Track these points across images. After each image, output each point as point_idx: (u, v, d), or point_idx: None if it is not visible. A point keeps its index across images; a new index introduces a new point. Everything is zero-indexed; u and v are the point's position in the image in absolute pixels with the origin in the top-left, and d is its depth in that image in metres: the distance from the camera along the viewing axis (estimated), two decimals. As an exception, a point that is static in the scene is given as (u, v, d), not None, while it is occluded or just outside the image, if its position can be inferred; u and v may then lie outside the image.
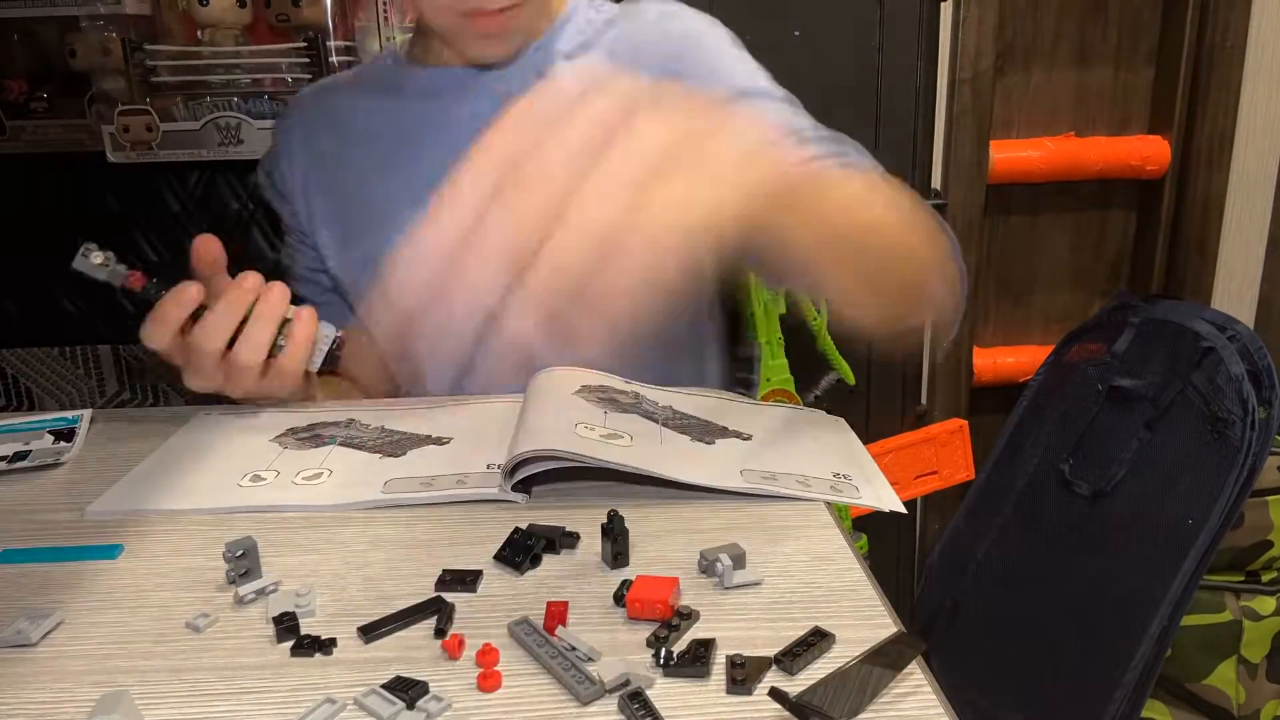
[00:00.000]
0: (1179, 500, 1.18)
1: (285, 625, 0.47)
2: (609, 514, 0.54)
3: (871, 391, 1.63)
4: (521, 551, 0.54)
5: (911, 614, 1.56)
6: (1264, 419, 1.16)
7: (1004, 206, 1.74)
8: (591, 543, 0.56)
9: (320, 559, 0.55)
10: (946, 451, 1.68)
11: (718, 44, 0.86)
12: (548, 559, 0.55)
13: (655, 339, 0.81)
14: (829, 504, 0.60)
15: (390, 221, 0.79)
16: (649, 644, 0.46)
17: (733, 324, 1.10)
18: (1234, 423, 1.16)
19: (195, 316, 0.71)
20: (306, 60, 1.32)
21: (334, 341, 0.75)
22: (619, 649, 0.46)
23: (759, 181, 0.49)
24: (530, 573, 0.53)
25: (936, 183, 1.64)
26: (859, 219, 0.60)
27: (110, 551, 0.57)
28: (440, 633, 0.47)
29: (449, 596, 0.51)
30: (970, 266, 1.68)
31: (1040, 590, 1.31)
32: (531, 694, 0.43)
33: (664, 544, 0.56)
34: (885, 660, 0.42)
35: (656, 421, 0.69)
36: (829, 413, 0.78)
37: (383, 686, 0.43)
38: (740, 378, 1.04)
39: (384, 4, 1.33)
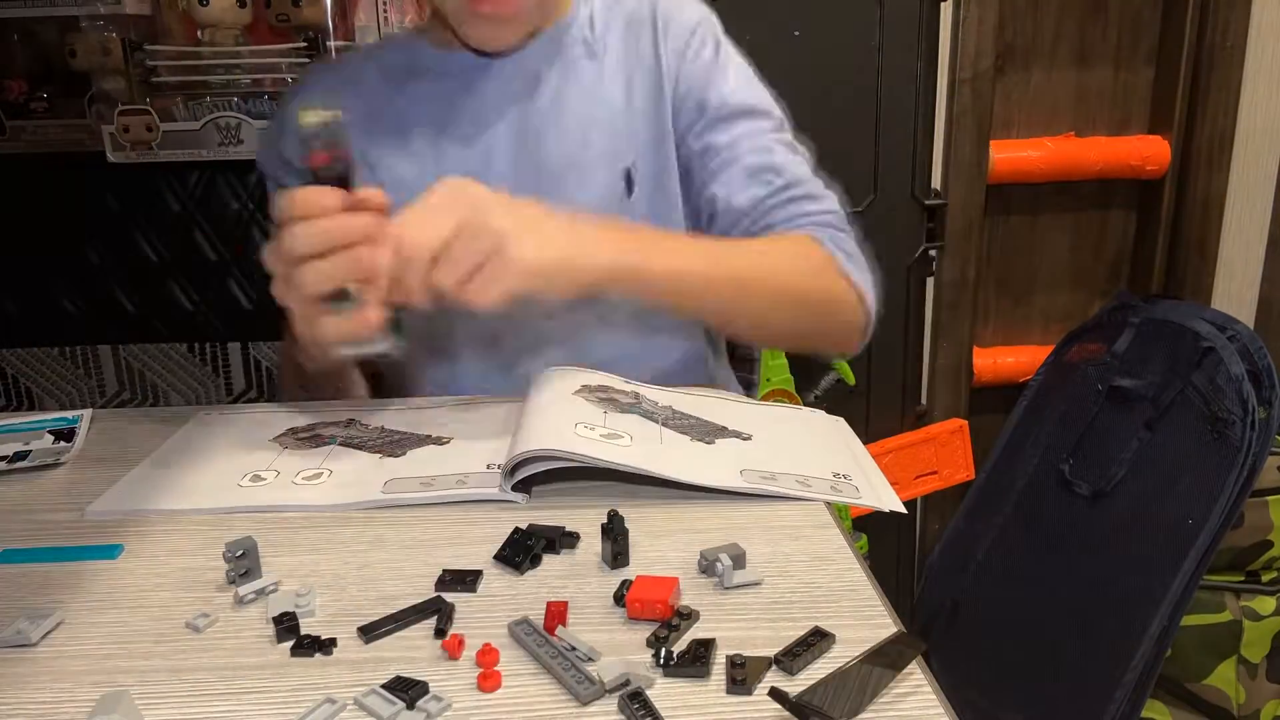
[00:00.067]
0: (1179, 500, 1.18)
1: (285, 625, 0.47)
2: (609, 514, 0.54)
3: (871, 391, 1.64)
4: (521, 551, 0.54)
5: (911, 614, 1.56)
6: (1264, 419, 1.16)
7: (1004, 206, 1.74)
8: (591, 543, 0.56)
9: (320, 559, 0.55)
10: (946, 451, 1.68)
11: (717, 43, 0.88)
12: (548, 559, 0.55)
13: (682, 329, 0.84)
14: (829, 504, 0.60)
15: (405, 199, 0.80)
16: (649, 644, 0.46)
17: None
18: (1234, 423, 1.16)
19: None
20: (306, 60, 1.32)
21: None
22: (619, 649, 0.46)
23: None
24: (530, 573, 0.53)
25: (936, 183, 1.64)
26: (753, 281, 0.76)
27: (110, 551, 0.57)
28: (440, 633, 0.47)
29: (449, 596, 0.51)
30: (970, 267, 1.69)
31: (1040, 590, 1.31)
32: (531, 694, 0.43)
33: (664, 544, 0.56)
34: (885, 660, 0.42)
35: (656, 421, 0.69)
36: (829, 413, 0.78)
37: (383, 686, 0.43)
38: (740, 378, 1.04)
39: (384, 4, 1.33)
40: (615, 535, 0.53)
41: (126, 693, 0.42)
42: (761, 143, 0.85)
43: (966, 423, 1.71)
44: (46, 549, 0.58)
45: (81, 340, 1.50)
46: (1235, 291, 1.79)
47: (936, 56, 1.55)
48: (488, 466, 0.65)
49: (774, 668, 0.44)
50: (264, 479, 0.65)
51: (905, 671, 0.42)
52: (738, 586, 0.51)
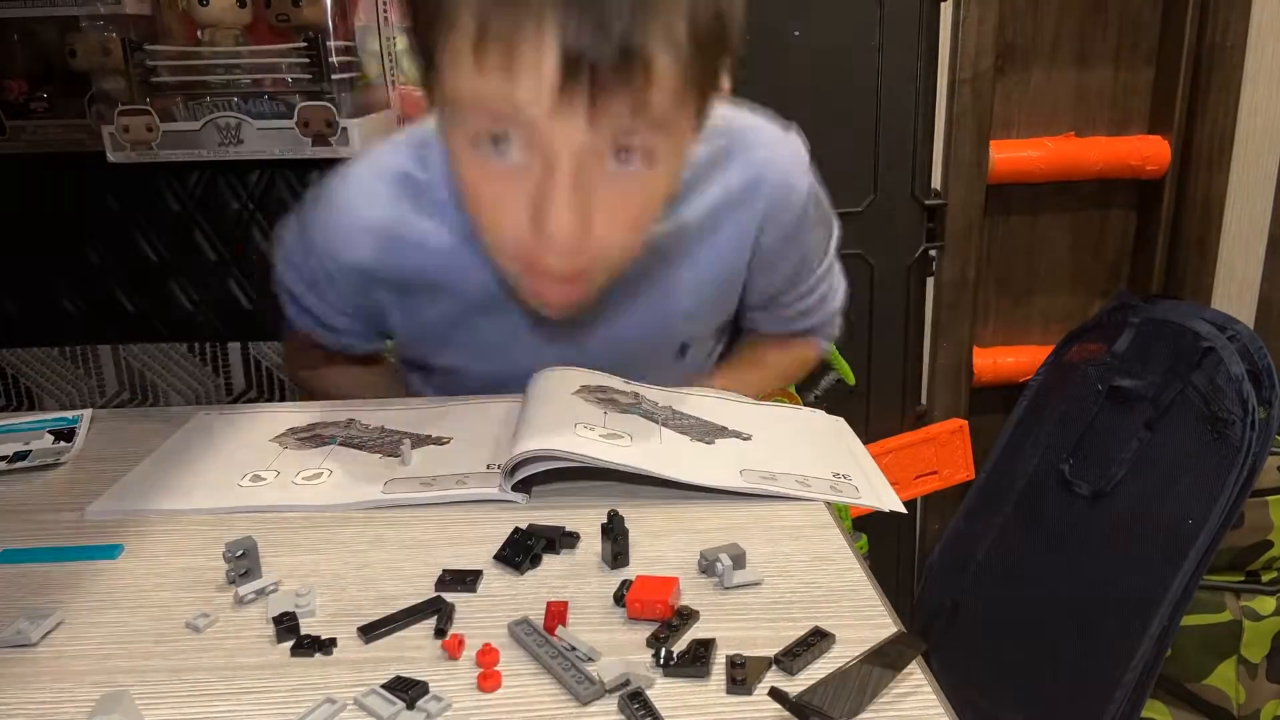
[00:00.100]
0: (1179, 500, 1.18)
1: (285, 625, 0.47)
2: (609, 514, 0.54)
3: (871, 391, 1.64)
4: (521, 551, 0.54)
5: (911, 614, 1.56)
6: (1264, 419, 1.16)
7: (1004, 206, 1.74)
8: (591, 543, 0.56)
9: (320, 559, 0.55)
10: (946, 451, 1.68)
11: (806, 214, 0.81)
12: (548, 559, 0.55)
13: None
14: (829, 504, 0.60)
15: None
16: (649, 644, 0.46)
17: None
18: (1234, 423, 1.16)
19: None
20: (306, 60, 1.32)
21: None
22: (619, 649, 0.46)
23: None
24: (530, 573, 0.53)
25: (936, 183, 1.64)
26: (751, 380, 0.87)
27: (110, 551, 0.57)
28: (440, 633, 0.47)
29: (449, 596, 0.51)
30: (970, 267, 1.69)
31: (1040, 590, 1.31)
32: (531, 694, 0.43)
33: (664, 544, 0.56)
34: (885, 660, 0.42)
35: (656, 422, 0.68)
36: (829, 413, 0.78)
37: (383, 686, 0.43)
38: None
39: (384, 4, 1.33)
40: (615, 535, 0.53)
41: (126, 693, 0.42)
42: (813, 301, 0.89)
43: (966, 423, 1.71)
44: (46, 549, 0.58)
45: (81, 340, 1.50)
46: (1235, 291, 1.79)
47: (936, 56, 1.55)
48: (488, 466, 0.65)
49: (774, 668, 0.44)
50: (264, 479, 0.65)
51: (905, 671, 0.42)
52: (738, 586, 0.51)
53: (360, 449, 0.69)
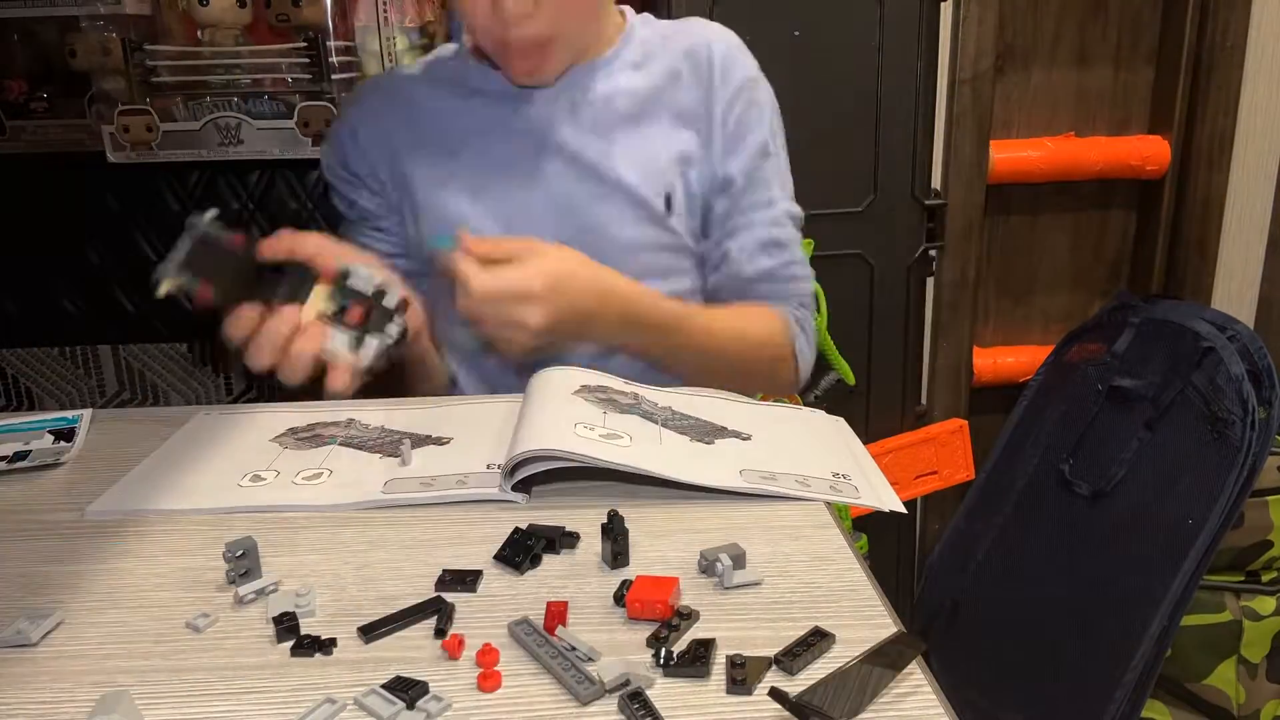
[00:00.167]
0: (1179, 500, 1.18)
1: (285, 625, 0.47)
2: (609, 514, 0.54)
3: (871, 391, 1.63)
4: (521, 551, 0.54)
5: (911, 614, 1.56)
6: (1264, 419, 1.16)
7: (1004, 206, 1.74)
8: (591, 543, 0.56)
9: (320, 559, 0.55)
10: (946, 451, 1.68)
11: (761, 106, 0.92)
12: (548, 559, 0.55)
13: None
14: (829, 504, 0.60)
15: (444, 216, 0.88)
16: (649, 644, 0.46)
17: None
18: (1234, 423, 1.16)
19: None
20: (306, 60, 1.32)
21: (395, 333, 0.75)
22: (619, 649, 0.46)
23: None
24: (530, 573, 0.53)
25: (936, 183, 1.64)
26: (724, 358, 0.87)
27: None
28: (440, 633, 0.47)
29: (449, 596, 0.51)
30: (970, 267, 1.69)
31: (1040, 590, 1.31)
32: (531, 694, 0.43)
33: (664, 544, 0.56)
34: (885, 660, 0.42)
35: (656, 422, 0.68)
36: (829, 413, 0.78)
37: (383, 686, 0.43)
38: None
39: (384, 4, 1.33)
40: (615, 535, 0.53)
41: (126, 693, 0.42)
42: (776, 214, 0.92)
43: (966, 423, 1.71)
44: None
45: (81, 340, 1.50)
46: (1235, 291, 1.79)
47: (936, 56, 1.55)
48: (488, 466, 0.65)
49: (774, 668, 0.44)
50: (264, 479, 0.65)
51: (905, 671, 0.42)
52: (738, 586, 0.51)
53: (360, 449, 0.70)
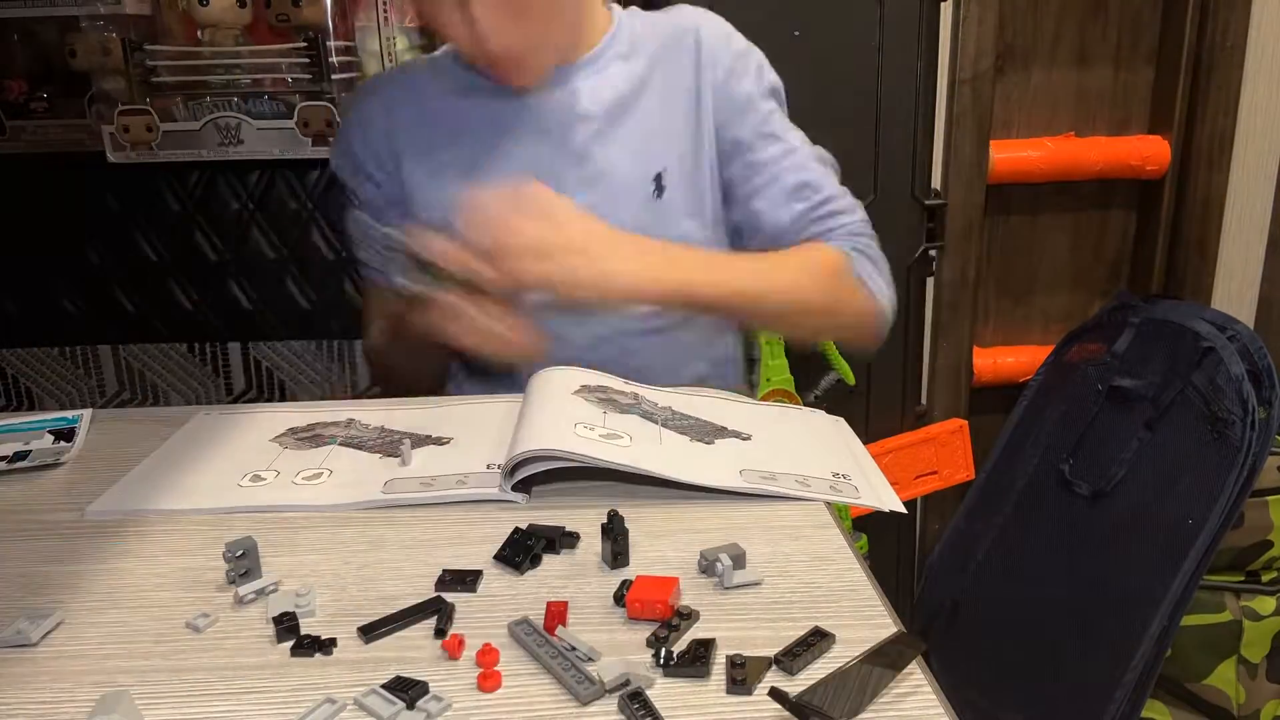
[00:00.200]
0: (1179, 500, 1.18)
1: (285, 625, 0.47)
2: (609, 514, 0.54)
3: (871, 391, 1.63)
4: (521, 551, 0.54)
5: (911, 614, 1.56)
6: (1264, 419, 1.15)
7: (1004, 206, 1.74)
8: (591, 543, 0.56)
9: (320, 559, 0.55)
10: (946, 451, 1.68)
11: (758, 72, 0.92)
12: (548, 559, 0.55)
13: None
14: (829, 504, 0.60)
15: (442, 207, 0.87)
16: (649, 644, 0.46)
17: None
18: (1234, 423, 1.16)
19: None
20: (306, 60, 1.32)
21: None
22: (619, 649, 0.46)
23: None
24: (530, 573, 0.53)
25: (936, 183, 1.64)
26: (787, 296, 0.85)
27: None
28: (440, 633, 0.47)
29: (449, 596, 0.51)
30: (970, 267, 1.68)
31: (1040, 590, 1.31)
32: (531, 694, 0.43)
33: (664, 544, 0.56)
34: (885, 660, 0.42)
35: (656, 422, 0.68)
36: (829, 413, 0.78)
37: (383, 686, 0.43)
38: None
39: (384, 4, 1.33)
40: (615, 535, 0.53)
41: (126, 693, 0.42)
42: (798, 160, 0.91)
43: (966, 423, 1.71)
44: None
45: (81, 340, 1.50)
46: (1235, 291, 1.79)
47: (936, 56, 1.55)
48: (488, 466, 0.65)
49: (774, 668, 0.44)
50: (264, 479, 0.65)
51: (905, 671, 0.42)
52: (738, 586, 0.51)
53: (360, 449, 0.70)
